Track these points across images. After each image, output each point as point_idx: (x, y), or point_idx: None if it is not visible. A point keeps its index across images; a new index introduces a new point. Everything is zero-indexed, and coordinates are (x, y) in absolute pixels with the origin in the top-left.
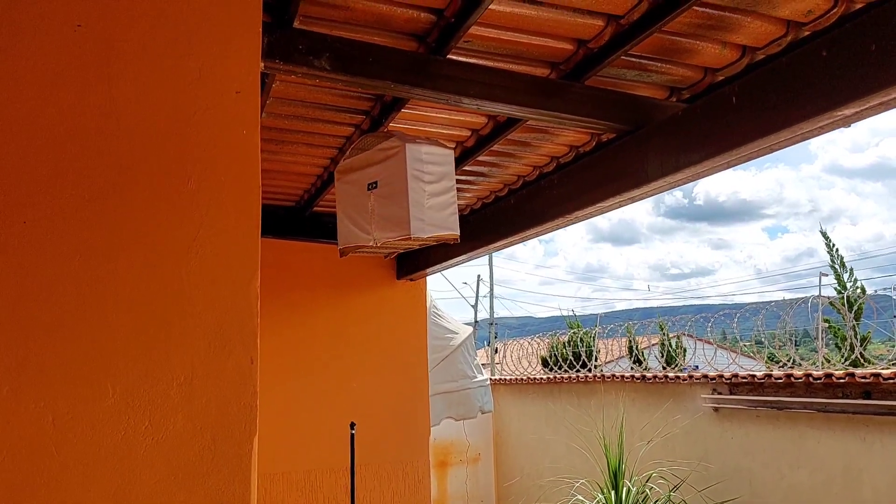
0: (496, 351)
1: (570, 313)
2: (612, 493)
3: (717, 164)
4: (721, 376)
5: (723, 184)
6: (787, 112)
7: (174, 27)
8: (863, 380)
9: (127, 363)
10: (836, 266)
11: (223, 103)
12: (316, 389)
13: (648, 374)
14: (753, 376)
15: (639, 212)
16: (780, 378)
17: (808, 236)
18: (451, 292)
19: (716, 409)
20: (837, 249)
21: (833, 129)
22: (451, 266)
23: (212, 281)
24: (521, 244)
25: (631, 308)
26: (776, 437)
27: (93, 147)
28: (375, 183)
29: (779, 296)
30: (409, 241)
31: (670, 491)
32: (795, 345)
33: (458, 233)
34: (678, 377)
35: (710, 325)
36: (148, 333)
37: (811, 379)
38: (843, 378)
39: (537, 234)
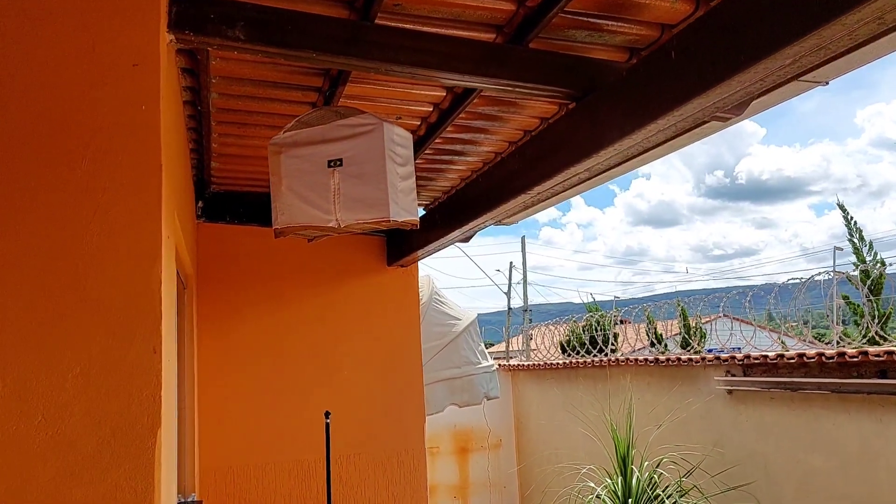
0: (530, 338)
1: (590, 298)
2: (621, 478)
3: (665, 128)
4: (733, 358)
5: (765, 161)
6: (722, 64)
7: None
8: (877, 358)
9: (18, 355)
10: (855, 241)
11: (119, 77)
12: (307, 378)
13: (662, 357)
14: (766, 357)
15: (678, 192)
16: (793, 358)
17: (857, 212)
18: (482, 279)
19: (729, 392)
20: (856, 223)
21: (781, 80)
22: (439, 249)
23: (110, 267)
24: (547, 223)
25: (672, 291)
26: (791, 420)
27: None
28: (340, 160)
29: (824, 274)
30: (377, 223)
31: (681, 476)
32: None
33: (417, 218)
34: (691, 360)
35: (721, 305)
36: (40, 323)
37: (824, 358)
38: (857, 357)
39: (508, 213)
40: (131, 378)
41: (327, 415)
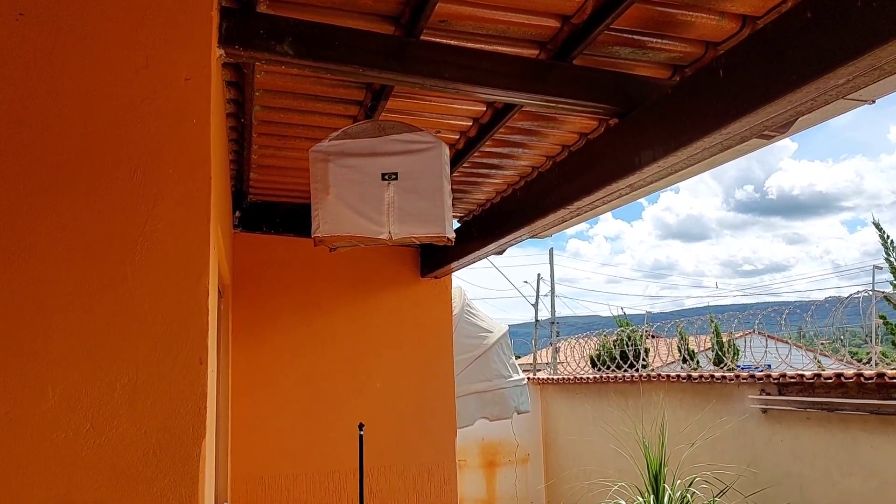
0: (557, 350)
1: (621, 312)
2: (653, 496)
3: (710, 146)
4: (769, 376)
5: (796, 176)
6: (773, 84)
7: (120, 13)
8: None
9: (68, 364)
10: (892, 259)
11: (171, 92)
12: (339, 388)
13: (694, 374)
14: (802, 376)
15: (707, 207)
16: (830, 378)
17: (891, 230)
18: (509, 290)
19: (764, 411)
20: (892, 241)
21: (832, 100)
22: (474, 261)
23: (158, 279)
24: (573, 235)
25: (702, 306)
26: (827, 441)
27: (34, 140)
28: (395, 174)
29: (862, 293)
30: (431, 238)
31: (714, 496)
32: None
33: (454, 234)
34: (724, 377)
35: (757, 322)
36: (89, 333)
37: (863, 379)
38: None
39: (545, 227)
40: (178, 389)
41: (361, 427)
